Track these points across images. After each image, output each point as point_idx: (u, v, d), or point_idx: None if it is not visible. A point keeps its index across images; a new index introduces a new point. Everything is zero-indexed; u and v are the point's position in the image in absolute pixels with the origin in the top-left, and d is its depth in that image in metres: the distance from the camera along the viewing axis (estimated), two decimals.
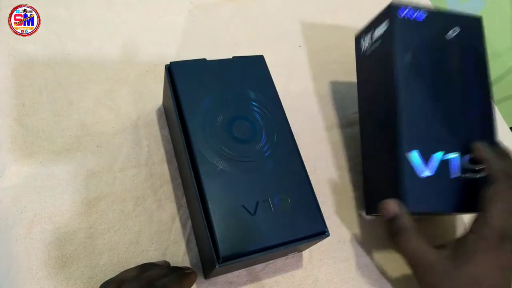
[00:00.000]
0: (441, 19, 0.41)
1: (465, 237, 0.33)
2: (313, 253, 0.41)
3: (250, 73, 0.39)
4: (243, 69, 0.39)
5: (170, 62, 0.37)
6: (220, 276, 0.37)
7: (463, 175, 0.38)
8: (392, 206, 0.35)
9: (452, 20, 0.42)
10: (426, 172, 0.37)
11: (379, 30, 0.42)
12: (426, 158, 0.37)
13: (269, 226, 0.32)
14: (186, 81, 0.36)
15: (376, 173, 0.43)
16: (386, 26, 0.41)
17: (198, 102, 0.36)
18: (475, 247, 0.32)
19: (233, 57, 0.39)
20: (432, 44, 0.40)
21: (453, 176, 0.37)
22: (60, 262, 0.34)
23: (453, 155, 0.38)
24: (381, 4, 0.65)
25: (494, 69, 1.09)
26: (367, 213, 0.44)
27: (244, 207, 0.32)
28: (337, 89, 0.54)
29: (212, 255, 0.31)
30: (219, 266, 0.30)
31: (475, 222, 0.33)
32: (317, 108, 0.51)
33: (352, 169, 0.48)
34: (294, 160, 0.36)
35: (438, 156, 0.37)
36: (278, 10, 0.58)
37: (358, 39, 0.47)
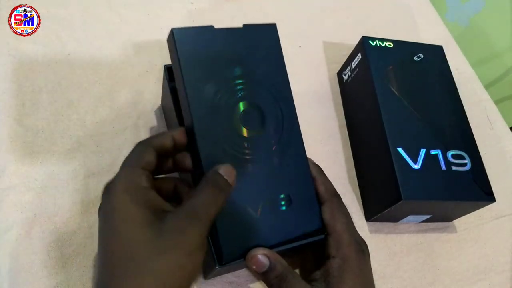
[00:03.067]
0: (406, 47, 0.50)
1: (329, 264, 0.32)
2: None
3: (261, 49, 0.34)
4: (253, 43, 0.34)
5: (173, 29, 0.31)
6: (220, 276, 0.37)
7: (452, 168, 0.42)
8: (261, 259, 0.30)
9: (416, 48, 0.50)
10: (414, 166, 0.41)
11: (356, 60, 0.50)
12: (411, 154, 0.42)
13: (271, 225, 0.32)
14: (189, 57, 0.31)
15: (370, 177, 0.46)
16: (361, 55, 0.49)
17: (202, 88, 0.31)
18: (342, 271, 0.31)
19: (244, 25, 0.34)
20: (402, 64, 0.48)
21: (442, 168, 0.42)
22: (60, 262, 0.34)
23: (435, 152, 0.42)
24: (381, 4, 0.65)
25: (494, 69, 1.09)
26: (367, 219, 0.45)
27: (247, 206, 0.31)
28: (337, 89, 0.54)
29: (212, 256, 0.30)
30: (219, 267, 0.30)
31: (331, 246, 0.32)
32: (317, 108, 0.51)
33: (351, 169, 0.48)
34: (299, 155, 0.34)
35: (421, 152, 0.42)
36: (278, 10, 0.58)
37: (340, 73, 0.55)
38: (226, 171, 0.29)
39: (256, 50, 0.34)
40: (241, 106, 0.32)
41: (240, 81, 0.32)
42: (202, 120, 0.31)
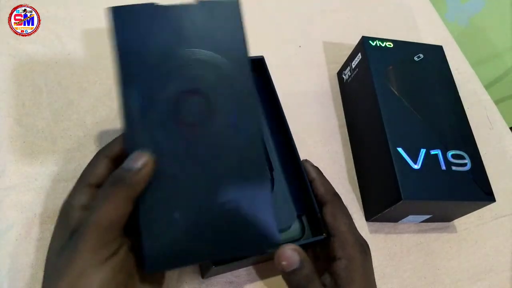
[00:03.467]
0: (406, 47, 0.50)
1: (336, 266, 0.31)
2: None
3: (216, 27, 0.29)
4: (207, 20, 0.28)
5: (111, 8, 0.27)
6: (220, 276, 0.37)
7: (452, 168, 0.42)
8: (292, 255, 0.28)
9: (416, 47, 0.50)
10: (414, 166, 0.41)
11: (356, 60, 0.50)
12: (411, 154, 0.42)
13: (214, 234, 0.27)
14: (128, 39, 0.27)
15: (370, 177, 0.45)
16: (361, 55, 0.49)
17: (141, 77, 0.27)
18: (349, 271, 0.30)
19: (199, 1, 0.29)
20: (402, 64, 0.48)
21: (442, 168, 0.42)
22: None
23: (435, 152, 0.42)
24: (381, 4, 0.65)
25: (494, 69, 1.09)
26: (367, 219, 0.45)
27: (183, 215, 0.26)
28: (337, 89, 0.54)
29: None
30: (215, 266, 0.30)
31: (336, 247, 0.31)
32: (317, 108, 0.51)
33: (351, 169, 0.48)
34: (257, 154, 0.28)
35: (421, 152, 0.42)
36: (278, 10, 0.58)
37: (340, 73, 0.55)
38: (129, 161, 0.25)
39: (210, 28, 0.28)
40: (181, 94, 0.27)
41: (186, 66, 0.27)
42: (137, 110, 0.27)
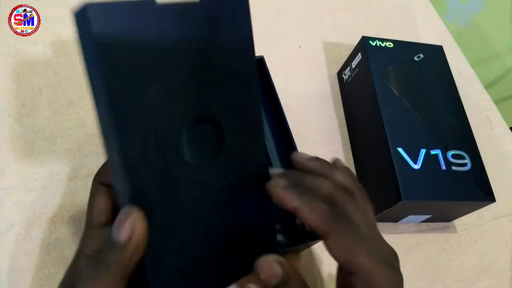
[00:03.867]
0: (406, 47, 0.50)
1: None
2: (312, 253, 0.41)
3: (223, 33, 0.22)
4: (212, 24, 0.22)
5: (87, 5, 0.18)
6: None
7: (452, 168, 0.42)
8: (272, 267, 0.22)
9: (416, 48, 0.50)
10: (414, 166, 0.41)
11: (356, 60, 0.50)
12: (411, 154, 0.42)
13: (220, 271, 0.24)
14: (112, 49, 0.19)
15: (370, 177, 0.45)
16: (361, 55, 0.49)
17: (131, 98, 0.20)
18: None
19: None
20: (402, 64, 0.48)
21: (442, 168, 0.42)
22: (60, 262, 0.34)
23: (435, 152, 0.42)
24: (381, 4, 0.65)
25: (494, 69, 1.09)
26: None
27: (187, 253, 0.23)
28: (337, 89, 0.54)
29: None
30: None
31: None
32: (317, 108, 0.51)
33: (351, 169, 0.48)
34: (259, 190, 0.24)
35: (421, 152, 0.42)
36: (278, 10, 0.58)
37: (340, 73, 0.55)
38: (114, 228, 0.20)
39: (216, 35, 0.22)
40: (188, 121, 0.22)
41: (187, 83, 0.21)
42: (132, 145, 0.20)
